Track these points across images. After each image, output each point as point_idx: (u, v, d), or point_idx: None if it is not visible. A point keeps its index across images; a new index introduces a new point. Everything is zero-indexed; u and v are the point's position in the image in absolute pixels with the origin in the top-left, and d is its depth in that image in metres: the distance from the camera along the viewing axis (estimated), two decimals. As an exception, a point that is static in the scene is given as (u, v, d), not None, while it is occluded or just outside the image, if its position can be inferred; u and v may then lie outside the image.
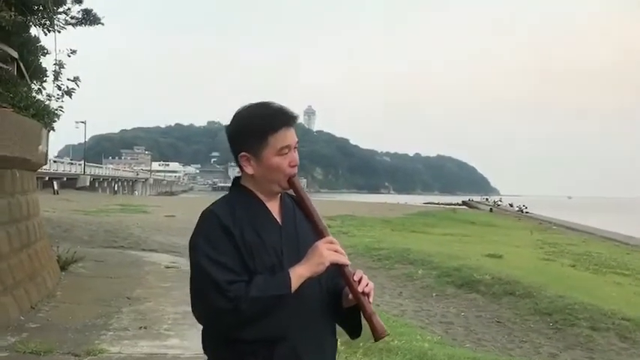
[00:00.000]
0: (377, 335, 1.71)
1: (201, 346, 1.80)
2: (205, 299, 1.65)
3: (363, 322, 1.80)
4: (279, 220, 1.79)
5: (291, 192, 1.83)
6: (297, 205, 1.85)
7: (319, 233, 1.76)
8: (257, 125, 1.73)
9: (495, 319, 8.47)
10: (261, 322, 1.63)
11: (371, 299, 1.73)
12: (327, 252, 1.69)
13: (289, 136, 1.74)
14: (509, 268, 11.47)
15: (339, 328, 1.87)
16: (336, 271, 1.74)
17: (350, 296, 1.73)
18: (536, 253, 16.43)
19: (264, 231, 1.73)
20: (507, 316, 8.56)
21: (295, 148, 1.77)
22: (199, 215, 1.75)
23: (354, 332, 1.87)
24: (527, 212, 53.26)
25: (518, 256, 14.45)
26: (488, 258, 13.18)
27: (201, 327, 1.78)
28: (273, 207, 1.80)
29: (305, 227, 1.80)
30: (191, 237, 1.73)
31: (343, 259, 1.72)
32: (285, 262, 1.70)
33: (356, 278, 1.72)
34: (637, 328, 7.54)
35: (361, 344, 4.86)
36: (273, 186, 1.77)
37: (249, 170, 1.76)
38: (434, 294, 10.02)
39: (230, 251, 1.67)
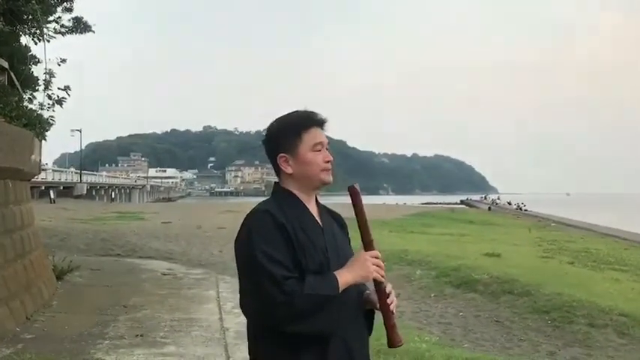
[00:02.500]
0: (393, 344, 1.87)
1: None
2: (261, 292, 1.71)
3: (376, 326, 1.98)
4: (319, 221, 1.91)
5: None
6: (330, 214, 2.00)
7: (367, 244, 1.89)
8: (291, 125, 1.90)
9: (494, 318, 8.45)
10: (312, 317, 1.71)
11: (394, 312, 1.88)
12: (373, 268, 1.82)
13: (320, 134, 1.92)
14: (508, 266, 11.45)
15: None
16: None
17: (378, 305, 1.88)
18: (535, 250, 16.42)
19: (310, 230, 1.85)
20: (506, 315, 8.54)
21: (327, 148, 1.93)
22: (248, 214, 1.84)
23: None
24: (525, 210, 53.40)
25: (517, 255, 14.44)
26: (487, 257, 13.16)
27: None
28: (312, 209, 1.92)
29: (338, 231, 1.97)
30: (241, 235, 1.81)
31: (383, 276, 1.86)
32: (331, 261, 1.83)
33: (387, 291, 1.87)
34: (635, 324, 7.52)
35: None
36: (311, 181, 1.90)
37: (288, 170, 1.89)
38: (432, 294, 9.99)
39: (284, 248, 1.76)
